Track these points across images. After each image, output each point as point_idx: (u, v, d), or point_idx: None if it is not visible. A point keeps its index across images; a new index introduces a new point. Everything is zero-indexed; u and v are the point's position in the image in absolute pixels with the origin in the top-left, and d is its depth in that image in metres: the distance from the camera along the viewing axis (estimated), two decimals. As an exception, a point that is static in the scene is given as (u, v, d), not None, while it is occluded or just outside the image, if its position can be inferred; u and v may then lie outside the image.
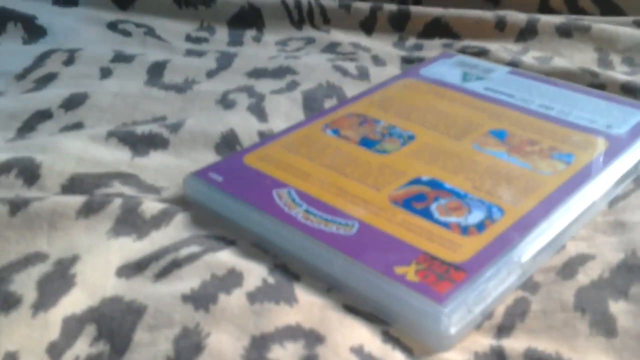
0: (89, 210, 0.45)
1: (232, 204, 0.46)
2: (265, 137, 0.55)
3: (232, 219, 0.46)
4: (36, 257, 0.42)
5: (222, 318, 0.38)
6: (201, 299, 0.39)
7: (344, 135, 0.53)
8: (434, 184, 0.47)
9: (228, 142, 0.55)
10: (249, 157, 0.50)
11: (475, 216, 0.44)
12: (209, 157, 0.53)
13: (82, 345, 0.37)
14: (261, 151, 0.51)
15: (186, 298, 0.39)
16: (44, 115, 0.58)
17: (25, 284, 0.40)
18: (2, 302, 0.39)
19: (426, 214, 0.44)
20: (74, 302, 0.39)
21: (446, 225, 0.43)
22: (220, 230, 0.46)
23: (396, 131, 0.54)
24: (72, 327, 0.38)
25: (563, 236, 0.44)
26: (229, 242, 0.44)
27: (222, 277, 0.40)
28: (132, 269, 0.42)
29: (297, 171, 0.49)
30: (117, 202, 0.46)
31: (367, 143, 0.52)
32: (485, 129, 0.54)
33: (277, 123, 0.57)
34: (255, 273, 0.41)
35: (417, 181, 0.48)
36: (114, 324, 0.38)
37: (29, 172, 0.49)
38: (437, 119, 0.56)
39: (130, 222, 0.45)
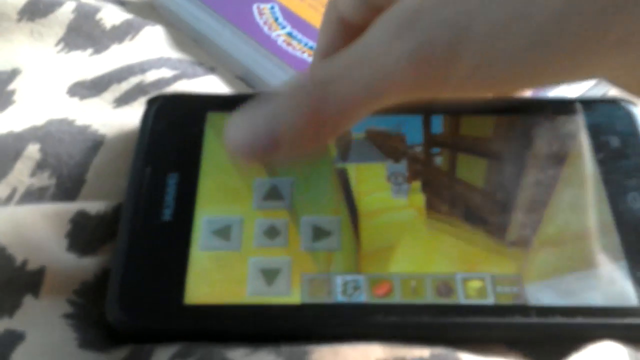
0: (34, 11, 0.36)
1: (206, 17, 0.38)
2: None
3: (206, 36, 0.38)
4: None
5: None
6: None
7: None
8: None
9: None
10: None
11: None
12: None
13: (21, 174, 0.30)
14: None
15: None
16: None
17: None
18: None
19: None
20: (11, 120, 0.32)
21: None
22: (198, 52, 0.37)
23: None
24: (9, 145, 0.30)
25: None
26: (207, 68, 0.36)
27: None
28: (87, 88, 0.34)
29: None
30: (70, 5, 0.37)
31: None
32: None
33: None
34: None
35: None
36: (62, 148, 0.30)
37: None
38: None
39: (86, 31, 0.36)
